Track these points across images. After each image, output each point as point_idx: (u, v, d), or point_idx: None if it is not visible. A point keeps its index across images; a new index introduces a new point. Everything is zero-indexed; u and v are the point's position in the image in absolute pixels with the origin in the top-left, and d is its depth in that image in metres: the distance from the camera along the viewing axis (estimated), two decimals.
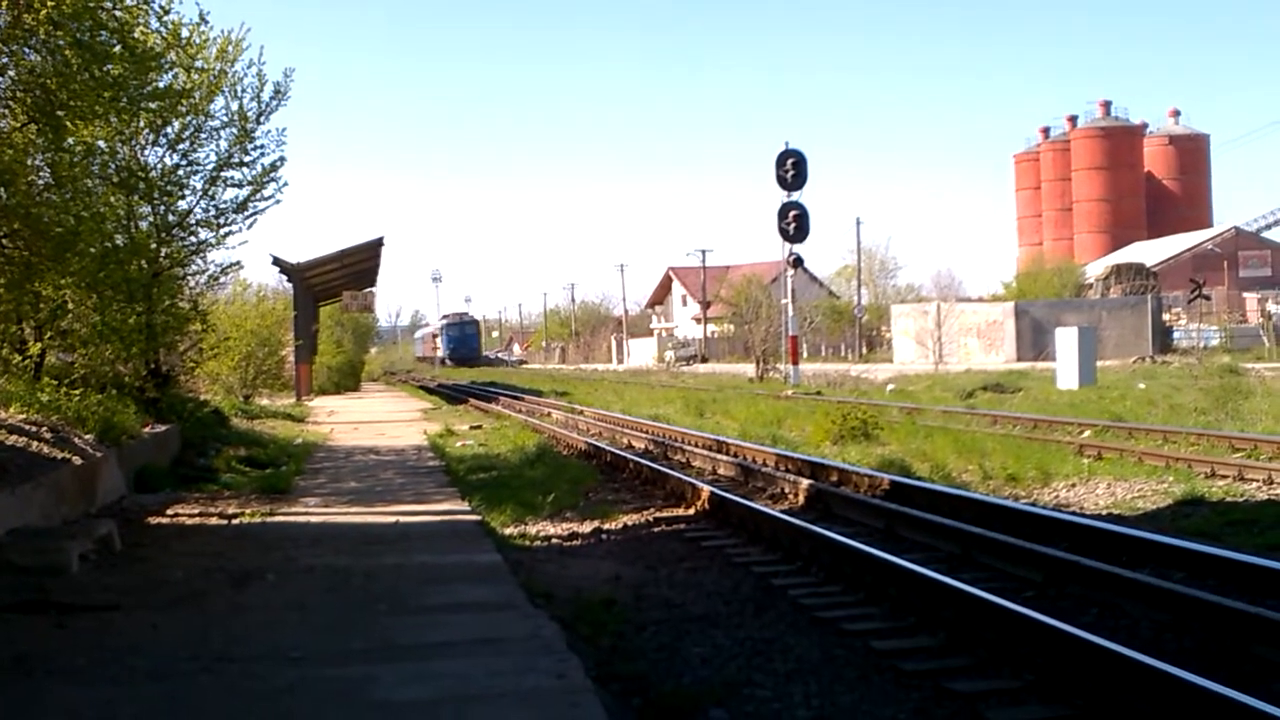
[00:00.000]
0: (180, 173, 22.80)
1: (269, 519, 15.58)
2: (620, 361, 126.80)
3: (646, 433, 27.90)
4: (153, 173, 22.05)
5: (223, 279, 28.92)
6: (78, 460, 15.29)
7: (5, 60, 15.18)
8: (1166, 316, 78.68)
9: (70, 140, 16.75)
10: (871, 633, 9.38)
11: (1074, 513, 15.36)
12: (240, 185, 24.03)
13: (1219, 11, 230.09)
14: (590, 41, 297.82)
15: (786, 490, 17.21)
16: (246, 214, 24.21)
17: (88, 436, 16.82)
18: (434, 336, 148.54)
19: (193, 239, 23.88)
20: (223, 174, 23.70)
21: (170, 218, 23.03)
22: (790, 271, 53.15)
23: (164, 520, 15.59)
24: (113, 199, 20.61)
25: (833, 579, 11.39)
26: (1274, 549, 12.45)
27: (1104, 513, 15.78)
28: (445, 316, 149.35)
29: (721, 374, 70.67)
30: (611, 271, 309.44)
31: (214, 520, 15.57)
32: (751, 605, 10.63)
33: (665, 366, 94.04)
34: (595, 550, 13.94)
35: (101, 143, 19.64)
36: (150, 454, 19.39)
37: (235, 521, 15.40)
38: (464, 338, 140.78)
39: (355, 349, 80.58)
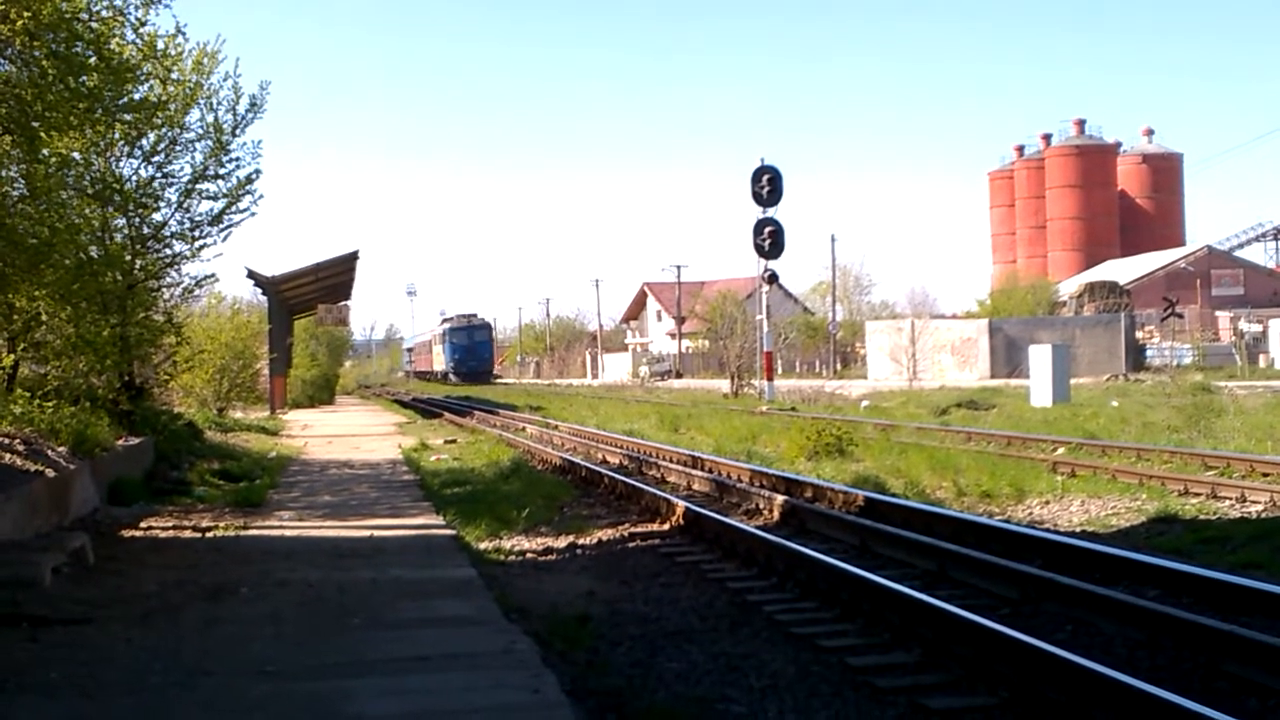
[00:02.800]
0: (155, 185, 22.78)
1: (243, 532, 15.54)
2: (595, 376, 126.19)
3: (621, 448, 27.88)
4: (128, 184, 22.01)
5: (197, 291, 28.90)
6: (51, 473, 15.22)
7: None
8: (1140, 334, 78.97)
9: (45, 151, 16.69)
10: (847, 649, 9.39)
11: (1048, 530, 15.40)
12: (215, 198, 24.05)
13: (1192, 33, 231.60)
14: (564, 56, 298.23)
15: (761, 506, 17.21)
16: (221, 226, 24.24)
17: (61, 449, 16.76)
18: (432, 345, 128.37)
19: (167, 251, 23.87)
20: (198, 186, 23.70)
21: (145, 230, 23.01)
22: (765, 287, 53.16)
23: (137, 533, 15.55)
24: (87, 211, 20.55)
25: (808, 595, 11.40)
26: (1247, 567, 12.52)
27: (1078, 530, 15.83)
28: (448, 319, 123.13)
29: (696, 389, 70.69)
30: (587, 286, 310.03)
31: (188, 533, 15.54)
32: (726, 621, 10.63)
33: (640, 382, 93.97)
34: (570, 565, 13.93)
35: (76, 154, 19.60)
36: (124, 467, 19.32)
37: (209, 535, 15.36)
38: (473, 346, 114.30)
39: (330, 362, 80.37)
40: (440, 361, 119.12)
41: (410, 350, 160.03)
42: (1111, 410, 35.43)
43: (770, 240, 50.93)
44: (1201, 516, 16.41)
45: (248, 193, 24.34)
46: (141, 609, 10.67)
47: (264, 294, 49.36)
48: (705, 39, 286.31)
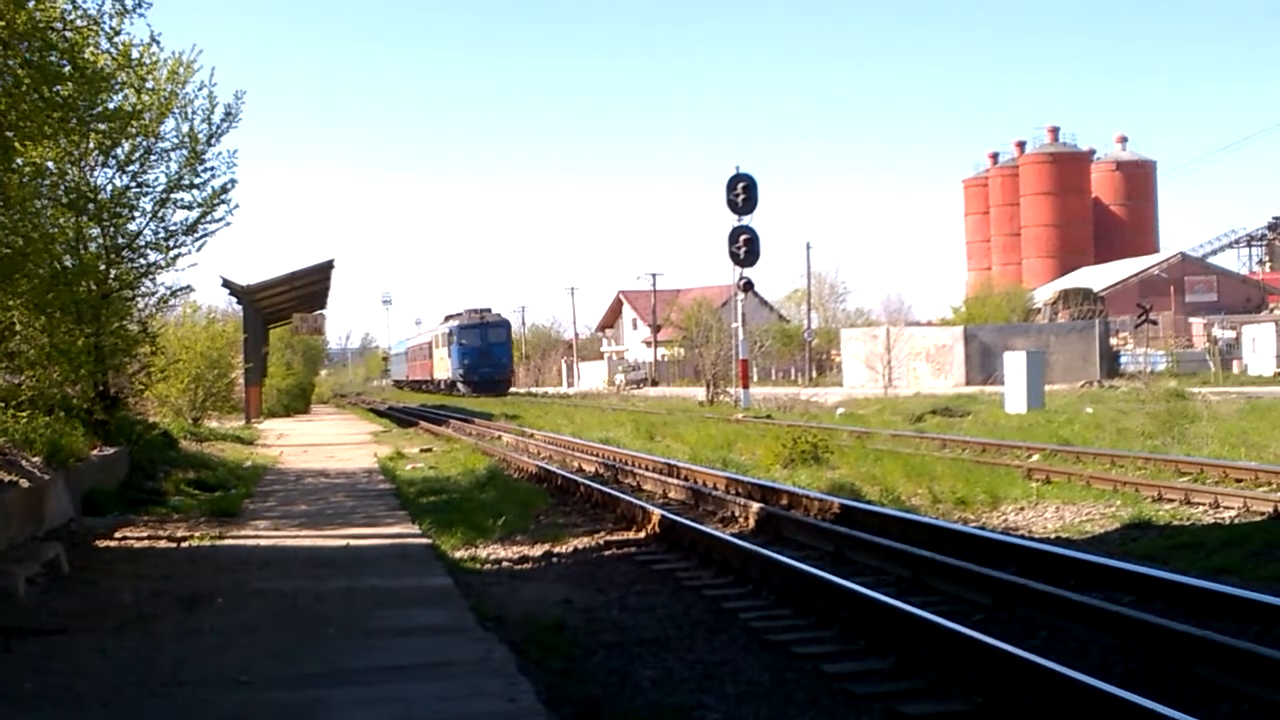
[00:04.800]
0: (130, 194, 22.64)
1: (219, 542, 15.52)
2: (571, 385, 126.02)
3: (597, 456, 27.87)
4: (102, 194, 21.91)
5: (172, 301, 28.78)
6: (25, 483, 15.17)
7: None
8: (1114, 341, 79.37)
9: (19, 161, 16.61)
10: (822, 656, 9.41)
11: (1023, 536, 15.43)
12: (190, 207, 23.87)
13: (1166, 40, 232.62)
14: (538, 64, 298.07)
15: (737, 514, 17.23)
16: (196, 236, 24.07)
17: (35, 459, 16.70)
18: (433, 348, 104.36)
19: (142, 261, 23.71)
20: (173, 196, 23.53)
21: (119, 239, 22.87)
22: (740, 295, 53.23)
23: (112, 543, 15.51)
24: (62, 220, 20.47)
25: (784, 602, 11.42)
26: (1220, 572, 12.58)
27: (1052, 536, 15.89)
28: (453, 316, 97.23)
29: (672, 397, 70.71)
30: (562, 294, 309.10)
31: (163, 543, 15.51)
32: (703, 629, 10.64)
33: (616, 390, 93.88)
34: (546, 574, 13.93)
35: (51, 164, 19.51)
36: (98, 477, 19.26)
37: (184, 545, 15.33)
38: (487, 349, 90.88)
39: (305, 371, 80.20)
40: (444, 368, 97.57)
41: (400, 356, 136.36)
42: (1086, 417, 35.57)
43: (745, 248, 50.99)
44: (1175, 522, 16.50)
45: (223, 202, 24.19)
46: (116, 619, 10.64)
47: (239, 303, 49.22)
48: (679, 46, 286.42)
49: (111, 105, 18.97)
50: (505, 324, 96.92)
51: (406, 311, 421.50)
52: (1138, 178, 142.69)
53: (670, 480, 21.40)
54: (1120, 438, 27.91)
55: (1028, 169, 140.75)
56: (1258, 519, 16.23)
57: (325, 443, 37.59)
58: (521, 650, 9.37)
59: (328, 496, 20.96)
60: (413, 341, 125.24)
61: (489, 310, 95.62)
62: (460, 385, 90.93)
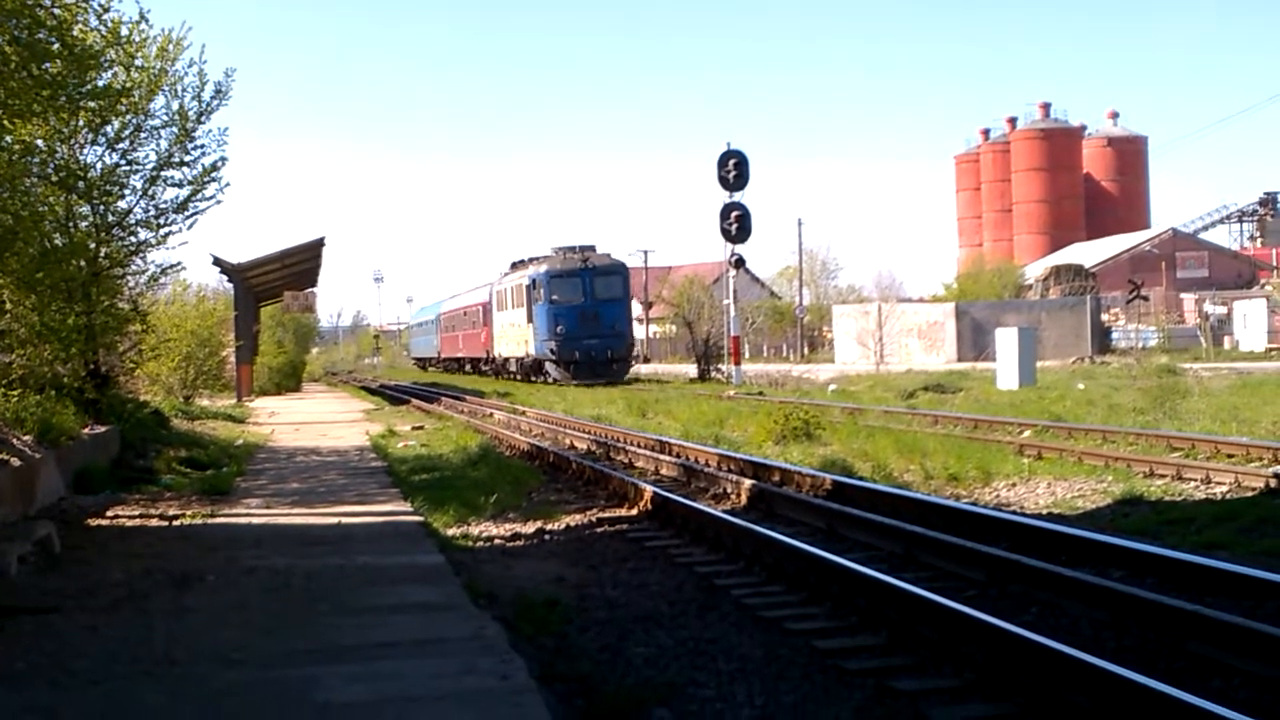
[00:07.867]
0: (120, 172, 22.58)
1: (210, 520, 15.50)
2: None
3: (589, 433, 27.84)
4: (92, 172, 21.83)
5: (163, 279, 28.70)
6: (15, 462, 15.14)
7: None
8: (1105, 317, 79.44)
9: (8, 139, 16.55)
10: (814, 632, 9.41)
11: (1015, 512, 15.45)
12: (181, 185, 23.82)
13: (1157, 15, 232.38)
14: (530, 41, 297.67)
15: (729, 490, 17.23)
16: (187, 214, 24.01)
17: (26, 438, 16.67)
18: (491, 310, 71.42)
19: (132, 239, 23.67)
20: (163, 174, 23.49)
21: (110, 217, 22.81)
22: (732, 272, 53.17)
23: (104, 522, 15.49)
24: (51, 198, 20.38)
25: (775, 579, 11.42)
26: (1211, 547, 12.60)
27: (1044, 512, 15.90)
28: (530, 261, 64.01)
29: (664, 374, 70.64)
30: None
31: (155, 522, 15.48)
32: (695, 605, 10.64)
33: None
34: (538, 551, 13.93)
35: (40, 141, 19.41)
36: (90, 455, 19.24)
37: (176, 523, 15.31)
38: (594, 310, 57.55)
39: (296, 349, 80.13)
40: (516, 340, 64.52)
41: (427, 326, 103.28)
42: (1078, 393, 35.61)
43: (737, 225, 50.99)
44: (1167, 498, 16.51)
45: (213, 180, 24.12)
46: (108, 598, 10.63)
47: (230, 281, 49.09)
48: (670, 23, 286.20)
49: (101, 83, 18.88)
50: (621, 270, 61.88)
51: (399, 289, 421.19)
52: (1129, 153, 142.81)
53: (662, 457, 21.41)
54: (1112, 414, 27.92)
55: (1019, 145, 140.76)
56: (1249, 494, 16.25)
57: (317, 420, 37.57)
58: (514, 627, 9.36)
59: (319, 474, 20.94)
60: (451, 304, 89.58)
61: (593, 249, 61.03)
62: (550, 367, 58.56)
